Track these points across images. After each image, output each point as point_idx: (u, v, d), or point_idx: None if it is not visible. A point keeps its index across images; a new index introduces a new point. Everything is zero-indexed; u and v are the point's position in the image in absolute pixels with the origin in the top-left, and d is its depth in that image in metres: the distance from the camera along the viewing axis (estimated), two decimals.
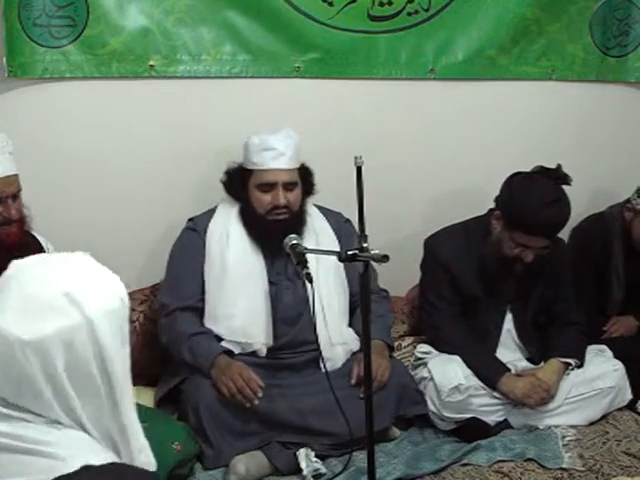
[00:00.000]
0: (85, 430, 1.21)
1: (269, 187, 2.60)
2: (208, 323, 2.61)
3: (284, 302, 2.64)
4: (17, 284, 1.20)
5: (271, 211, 2.60)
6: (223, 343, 2.59)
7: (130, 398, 1.26)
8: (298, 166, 2.65)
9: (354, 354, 2.67)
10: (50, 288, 1.19)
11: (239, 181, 2.65)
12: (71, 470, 1.13)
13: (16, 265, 1.25)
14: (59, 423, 1.19)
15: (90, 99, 2.79)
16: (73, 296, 1.18)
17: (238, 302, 2.59)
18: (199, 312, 2.63)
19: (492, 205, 2.79)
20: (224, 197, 2.73)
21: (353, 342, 2.69)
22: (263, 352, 2.60)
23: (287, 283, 2.66)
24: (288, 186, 2.61)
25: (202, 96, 2.91)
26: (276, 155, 2.58)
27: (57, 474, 1.13)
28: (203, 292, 2.64)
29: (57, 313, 1.17)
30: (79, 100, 2.78)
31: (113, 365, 1.21)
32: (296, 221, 2.62)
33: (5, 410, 1.18)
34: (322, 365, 2.43)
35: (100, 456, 1.18)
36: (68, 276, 1.22)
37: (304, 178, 2.68)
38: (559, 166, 2.68)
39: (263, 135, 2.61)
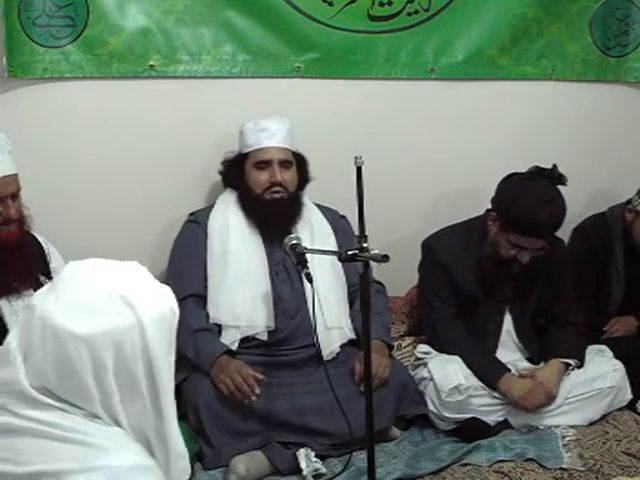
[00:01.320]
0: (121, 428, 1.24)
1: (265, 164, 2.68)
2: (211, 310, 2.63)
3: (282, 296, 2.66)
4: (74, 282, 1.24)
5: (268, 189, 2.67)
6: (224, 329, 2.60)
7: (173, 406, 1.29)
8: (292, 149, 2.73)
9: (351, 345, 2.67)
10: (106, 288, 1.23)
11: (236, 167, 2.74)
12: (106, 461, 1.17)
13: (71, 265, 1.30)
14: (97, 417, 1.22)
15: (90, 99, 2.79)
16: (127, 298, 1.22)
17: (240, 289, 2.62)
18: (204, 300, 2.65)
19: (490, 206, 2.79)
20: (223, 193, 2.78)
21: (348, 328, 2.70)
22: (264, 336, 2.61)
23: (285, 276, 2.68)
24: (283, 164, 2.69)
25: (202, 96, 2.91)
26: (270, 135, 2.69)
27: (92, 463, 1.17)
28: (206, 280, 2.66)
29: (111, 312, 1.21)
30: (79, 100, 2.78)
31: (159, 370, 1.24)
32: (292, 204, 2.70)
33: (47, 399, 1.21)
34: (319, 350, 2.45)
35: (135, 452, 1.21)
36: (123, 279, 1.27)
37: (299, 164, 2.75)
38: (554, 166, 2.68)
39: (257, 120, 2.71)
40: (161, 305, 1.27)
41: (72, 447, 1.18)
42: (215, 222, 2.72)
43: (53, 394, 1.22)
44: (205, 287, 2.66)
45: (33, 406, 1.21)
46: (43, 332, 1.21)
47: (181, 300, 2.61)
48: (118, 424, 1.24)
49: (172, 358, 1.29)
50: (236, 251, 2.66)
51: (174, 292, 2.68)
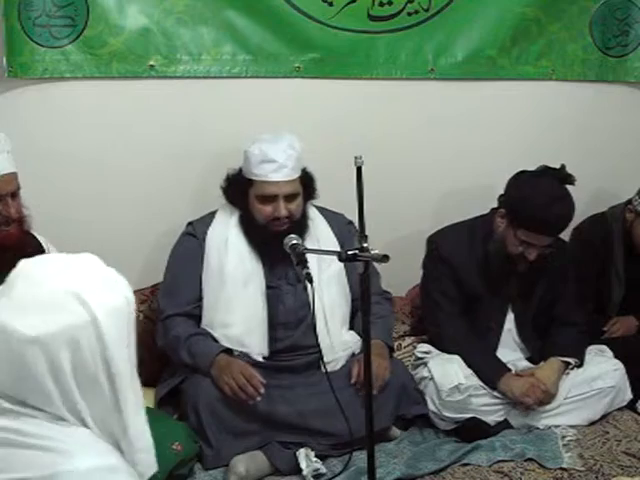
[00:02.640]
0: (87, 427, 1.21)
1: (270, 199, 2.56)
2: (205, 328, 2.61)
3: (285, 306, 2.63)
4: (24, 282, 1.21)
5: (272, 222, 2.57)
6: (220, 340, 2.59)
7: (136, 397, 1.26)
8: (299, 175, 2.62)
9: (354, 355, 2.67)
10: (56, 286, 1.20)
11: (239, 189, 2.62)
12: (72, 465, 1.14)
13: (23, 264, 1.26)
14: (62, 420, 1.20)
15: (90, 99, 2.79)
16: (79, 294, 1.19)
17: (235, 310, 2.58)
18: (195, 319, 2.62)
19: (492, 205, 2.80)
20: (224, 202, 2.71)
21: (355, 344, 2.69)
22: (259, 359, 2.60)
23: (288, 287, 2.65)
24: (289, 197, 2.58)
25: (202, 96, 2.91)
26: (277, 168, 2.53)
27: (60, 469, 1.14)
28: (200, 299, 2.63)
29: (63, 311, 1.18)
30: (79, 100, 2.78)
31: (117, 364, 1.21)
32: (297, 229, 2.56)
33: (8, 405, 1.18)
34: (322, 366, 2.43)
35: (103, 454, 1.19)
36: (74, 275, 1.23)
37: (305, 184, 2.65)
38: (563, 166, 2.69)
39: (263, 145, 2.55)
40: (114, 297, 1.24)
41: (34, 454, 1.16)
42: (213, 238, 2.65)
43: (13, 399, 1.19)
44: (197, 307, 2.61)
45: None
46: None
47: (170, 316, 2.59)
48: (84, 423, 1.21)
49: (132, 349, 1.26)
50: (233, 270, 2.59)
51: (165, 308, 2.64)
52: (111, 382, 1.22)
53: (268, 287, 2.63)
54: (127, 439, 1.25)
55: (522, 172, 2.73)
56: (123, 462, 1.22)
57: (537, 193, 2.61)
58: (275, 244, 2.41)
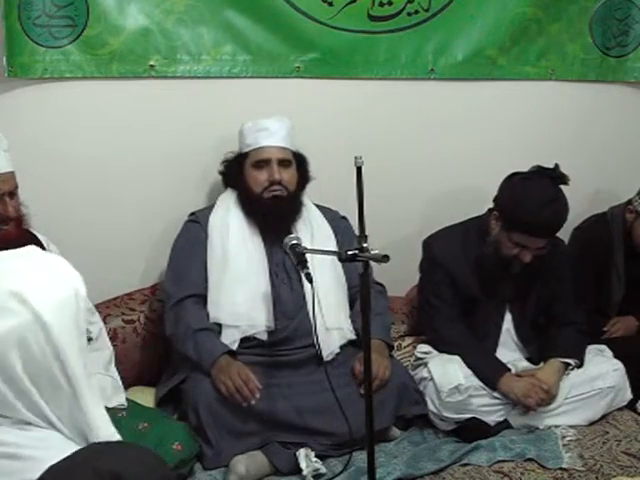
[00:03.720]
0: (54, 427, 1.19)
1: (264, 164, 2.67)
2: (211, 309, 2.62)
3: (282, 296, 2.66)
4: None
5: (267, 188, 2.67)
6: (224, 329, 2.60)
7: (91, 389, 1.23)
8: (292, 149, 2.73)
9: (352, 345, 2.67)
10: None
11: (236, 167, 2.74)
12: (36, 473, 1.10)
13: None
14: (27, 423, 1.18)
15: (90, 99, 2.79)
16: (20, 294, 1.17)
17: (240, 289, 2.62)
18: (204, 300, 2.65)
19: (491, 205, 2.79)
20: (223, 194, 2.78)
21: (348, 329, 2.70)
22: (264, 336, 2.61)
23: (284, 277, 2.68)
24: (282, 163, 2.68)
25: (202, 96, 2.91)
26: (269, 134, 2.68)
27: (26, 475, 1.11)
28: (206, 280, 2.66)
29: (6, 313, 1.16)
30: (79, 100, 2.78)
31: (68, 357, 1.19)
32: (292, 203, 2.69)
33: None
34: (318, 351, 2.45)
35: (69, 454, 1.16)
36: (14, 273, 1.20)
37: (299, 163, 2.75)
38: (557, 166, 2.68)
39: (256, 120, 2.71)
40: (60, 291, 1.21)
41: (3, 462, 1.13)
42: (215, 222, 2.72)
43: None
44: (205, 288, 2.65)
45: None
46: None
47: (181, 300, 2.62)
48: (50, 423, 1.19)
49: (83, 340, 1.24)
50: (236, 251, 2.66)
51: (174, 293, 2.69)
52: (66, 375, 1.19)
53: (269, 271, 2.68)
54: (92, 430, 1.22)
55: (514, 174, 2.72)
56: None
57: (529, 195, 2.61)
58: (273, 218, 2.60)
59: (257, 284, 2.64)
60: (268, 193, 2.68)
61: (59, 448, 1.16)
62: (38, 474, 1.11)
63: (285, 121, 2.73)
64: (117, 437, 1.26)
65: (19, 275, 1.20)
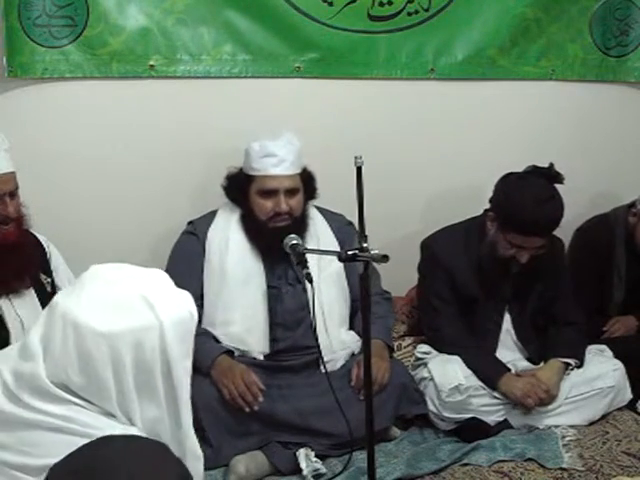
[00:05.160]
0: (135, 427, 1.25)
1: (271, 193, 2.58)
2: (207, 327, 2.61)
3: (285, 306, 2.63)
4: (96, 282, 1.27)
5: (273, 218, 2.58)
6: (222, 341, 2.59)
7: (189, 407, 1.33)
8: (300, 172, 2.64)
9: (353, 355, 2.67)
10: (128, 288, 1.26)
11: (240, 186, 2.64)
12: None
13: (95, 267, 1.32)
14: (112, 415, 1.24)
15: (90, 99, 2.79)
16: (149, 299, 1.25)
17: (236, 308, 2.59)
18: (198, 317, 2.62)
19: (489, 206, 2.79)
20: (225, 201, 2.72)
21: (354, 344, 2.69)
22: (260, 357, 2.60)
23: (288, 288, 2.65)
24: (290, 192, 2.59)
25: (202, 96, 2.91)
26: (277, 162, 2.56)
27: None
28: (201, 297, 2.63)
29: (132, 312, 1.24)
30: (79, 100, 2.78)
31: (176, 372, 1.27)
32: (298, 226, 2.58)
33: (64, 394, 1.23)
34: (322, 367, 2.43)
35: None
36: (146, 281, 1.29)
37: (306, 183, 2.67)
38: (551, 165, 2.68)
39: (263, 141, 2.58)
40: (181, 309, 1.30)
41: (85, 441, 1.18)
42: (214, 237, 2.66)
43: (70, 390, 1.23)
44: (200, 304, 2.60)
45: (49, 400, 1.23)
46: (64, 328, 1.23)
47: None
48: (132, 423, 1.25)
49: (189, 363, 1.33)
50: (233, 269, 2.61)
51: None
52: (169, 390, 1.27)
53: (268, 287, 2.63)
54: (182, 448, 1.32)
55: (509, 174, 2.72)
56: None
57: (524, 195, 2.60)
58: (276, 243, 2.40)
59: (253, 304, 2.60)
60: (273, 223, 2.58)
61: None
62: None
63: (294, 142, 2.60)
64: (202, 459, 1.37)
65: (149, 284, 1.29)
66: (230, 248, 2.63)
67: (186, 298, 1.34)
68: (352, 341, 2.69)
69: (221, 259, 2.63)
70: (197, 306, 2.54)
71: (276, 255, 2.52)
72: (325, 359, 2.45)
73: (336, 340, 2.63)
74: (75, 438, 1.19)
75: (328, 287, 2.63)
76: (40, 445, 1.21)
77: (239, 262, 2.62)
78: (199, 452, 1.35)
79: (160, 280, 1.33)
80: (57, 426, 1.21)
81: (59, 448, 1.17)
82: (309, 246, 2.52)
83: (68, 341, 1.23)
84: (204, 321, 2.62)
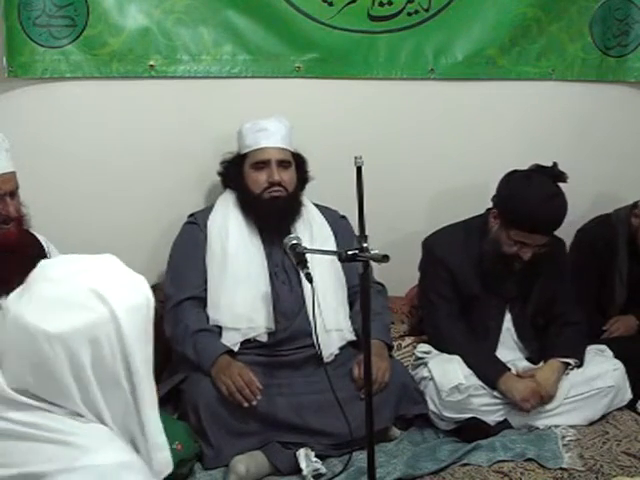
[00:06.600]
0: (104, 423, 1.23)
1: (263, 165, 2.68)
2: (211, 312, 2.63)
3: (281, 297, 2.66)
4: (44, 281, 1.23)
5: (267, 189, 2.67)
6: (225, 331, 2.60)
7: (152, 397, 1.28)
8: (291, 150, 2.73)
9: (351, 346, 2.67)
10: (77, 284, 1.22)
11: (235, 168, 2.73)
12: (91, 460, 1.15)
13: (43, 263, 1.28)
14: (80, 415, 1.21)
15: (90, 99, 2.79)
16: (99, 292, 1.21)
17: (240, 290, 2.62)
18: (204, 302, 2.65)
19: (491, 204, 2.79)
20: (222, 194, 2.77)
21: (348, 330, 2.70)
22: (264, 338, 2.61)
23: (284, 277, 2.68)
24: (282, 164, 2.69)
25: (202, 96, 2.91)
26: (268, 135, 2.68)
27: (72, 463, 1.15)
28: (206, 282, 2.66)
29: (83, 308, 1.20)
30: (79, 100, 2.78)
31: (136, 361, 1.23)
32: (291, 203, 2.69)
33: (27, 400, 1.20)
34: (318, 351, 2.45)
35: (118, 450, 1.20)
36: (95, 273, 1.25)
37: (298, 164, 2.75)
38: (555, 164, 2.69)
39: (255, 120, 2.71)
40: (135, 296, 1.26)
41: (54, 448, 1.17)
42: (214, 223, 2.71)
43: (33, 395, 1.21)
44: (204, 289, 2.65)
45: (13, 408, 1.20)
46: (17, 333, 1.20)
47: (180, 302, 2.62)
48: (101, 420, 1.22)
49: (150, 348, 1.28)
50: (235, 252, 2.65)
51: (173, 294, 2.70)
52: (130, 379, 1.23)
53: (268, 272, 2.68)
54: (144, 437, 1.26)
55: (513, 172, 2.73)
56: (140, 460, 1.24)
57: (528, 192, 2.61)
58: (272, 218, 2.60)
59: (257, 285, 2.64)
60: (267, 194, 2.68)
61: (108, 441, 1.20)
62: (88, 462, 1.15)
63: (284, 121, 2.73)
64: (166, 448, 1.30)
65: (99, 275, 1.25)
66: (230, 232, 2.68)
67: (140, 283, 1.29)
68: (346, 326, 2.70)
69: (222, 243, 2.67)
70: (203, 290, 2.62)
71: (274, 237, 2.61)
72: (320, 340, 2.48)
73: (330, 321, 2.64)
74: (43, 445, 1.17)
75: (321, 270, 2.62)
76: (12, 454, 1.18)
77: (240, 245, 2.67)
78: (162, 442, 1.29)
79: (111, 268, 1.28)
80: (21, 434, 1.18)
81: (25, 456, 1.16)
82: (302, 233, 2.60)
83: (22, 346, 1.19)
84: (209, 305, 2.64)
